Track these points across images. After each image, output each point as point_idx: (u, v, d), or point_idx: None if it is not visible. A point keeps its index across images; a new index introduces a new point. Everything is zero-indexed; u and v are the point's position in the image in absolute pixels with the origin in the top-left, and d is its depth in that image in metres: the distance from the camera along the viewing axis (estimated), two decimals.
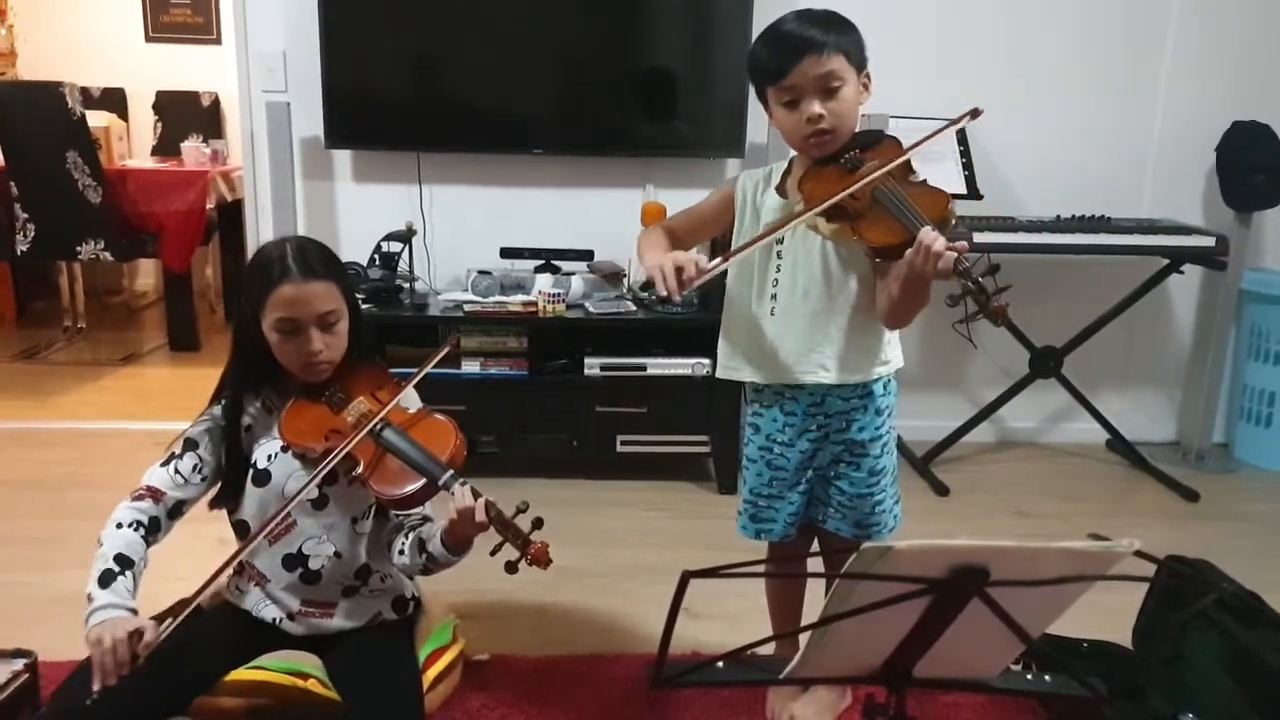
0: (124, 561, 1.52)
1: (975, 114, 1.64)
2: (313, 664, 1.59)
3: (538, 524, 1.46)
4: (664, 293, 1.55)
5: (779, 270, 1.72)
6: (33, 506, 2.82)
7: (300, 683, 1.56)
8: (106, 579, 1.50)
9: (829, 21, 1.60)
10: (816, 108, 1.58)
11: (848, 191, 1.55)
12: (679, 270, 1.55)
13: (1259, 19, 3.34)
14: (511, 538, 1.45)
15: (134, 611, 1.48)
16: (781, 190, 1.72)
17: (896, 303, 1.59)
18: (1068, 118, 3.34)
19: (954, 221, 1.52)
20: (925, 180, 1.60)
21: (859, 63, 1.62)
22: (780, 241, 1.71)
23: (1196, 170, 3.41)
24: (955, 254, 1.42)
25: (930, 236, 1.44)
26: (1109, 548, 1.04)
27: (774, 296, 1.74)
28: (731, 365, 1.83)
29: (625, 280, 3.22)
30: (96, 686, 1.39)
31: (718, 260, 1.62)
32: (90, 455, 3.16)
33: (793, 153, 1.74)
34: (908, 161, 1.60)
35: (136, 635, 1.42)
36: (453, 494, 1.50)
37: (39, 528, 2.66)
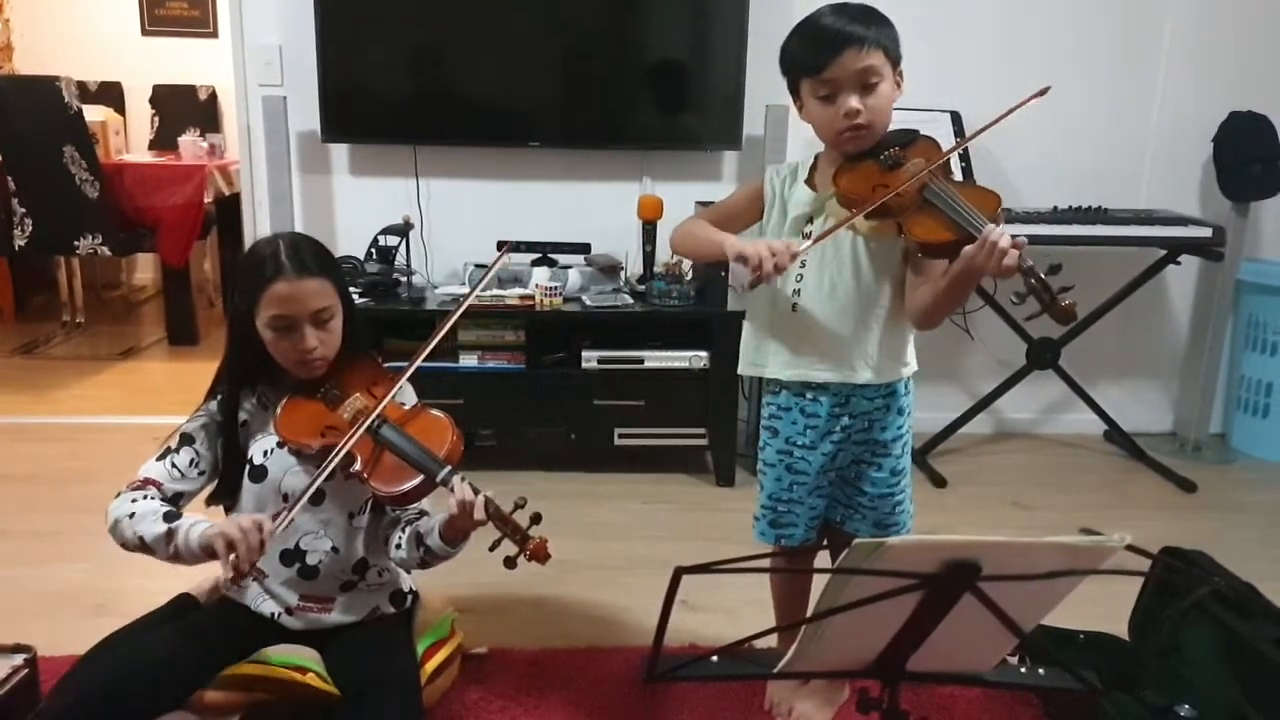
0: (172, 512, 1.54)
1: (1043, 92, 1.63)
2: (311, 658, 1.60)
3: (536, 519, 1.46)
4: (764, 275, 1.53)
5: (803, 265, 1.68)
6: (31, 501, 2.82)
7: (299, 676, 1.57)
8: (172, 516, 1.52)
9: (868, 16, 1.58)
10: (854, 102, 1.57)
11: (901, 187, 1.53)
12: (774, 254, 1.53)
13: (1257, 9, 3.33)
14: (510, 533, 1.45)
15: None
16: (811, 184, 1.70)
17: (937, 301, 1.58)
18: (1065, 108, 3.33)
19: (1000, 222, 1.50)
20: (969, 179, 1.59)
21: (895, 59, 1.60)
22: (807, 236, 1.68)
23: (1194, 161, 3.41)
24: (1019, 251, 1.42)
25: (998, 233, 1.43)
26: (1100, 542, 1.04)
27: (796, 292, 1.70)
28: (757, 362, 1.79)
29: (622, 273, 3.22)
30: (234, 572, 1.40)
31: (807, 243, 1.59)
32: (89, 450, 3.17)
33: (809, 151, 1.73)
34: (948, 160, 1.59)
35: (257, 524, 1.44)
36: (451, 490, 1.51)
37: (38, 522, 2.66)
